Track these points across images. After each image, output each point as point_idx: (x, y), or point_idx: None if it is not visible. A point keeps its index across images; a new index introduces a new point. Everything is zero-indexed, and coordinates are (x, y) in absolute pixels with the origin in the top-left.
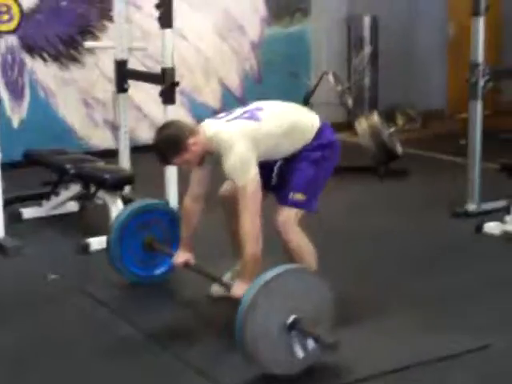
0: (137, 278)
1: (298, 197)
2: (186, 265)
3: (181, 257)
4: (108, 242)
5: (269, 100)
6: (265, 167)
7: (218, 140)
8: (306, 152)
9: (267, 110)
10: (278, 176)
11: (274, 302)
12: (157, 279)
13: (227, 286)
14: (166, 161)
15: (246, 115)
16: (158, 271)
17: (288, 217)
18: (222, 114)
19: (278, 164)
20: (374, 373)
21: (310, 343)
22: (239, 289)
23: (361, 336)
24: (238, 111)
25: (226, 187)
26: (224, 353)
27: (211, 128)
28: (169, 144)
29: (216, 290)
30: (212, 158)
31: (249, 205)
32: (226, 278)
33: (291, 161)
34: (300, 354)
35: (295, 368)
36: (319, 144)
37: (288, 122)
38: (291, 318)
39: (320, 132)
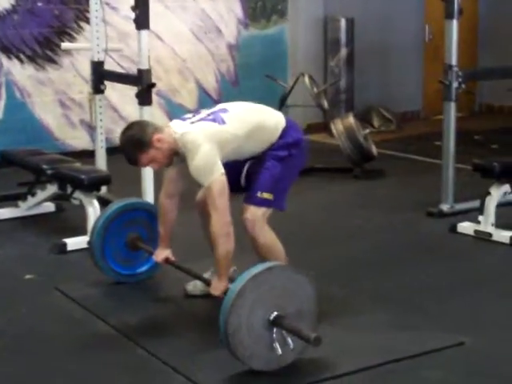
0: (121, 276)
1: (266, 196)
2: (167, 261)
3: (160, 254)
4: (91, 242)
5: (245, 101)
6: (233, 169)
7: (184, 141)
8: (272, 151)
9: (232, 111)
10: (246, 177)
11: (259, 296)
12: (141, 277)
13: (208, 283)
14: (134, 161)
15: (210, 117)
16: (142, 269)
17: (255, 215)
18: (188, 115)
19: (247, 166)
20: (350, 369)
21: (290, 341)
22: (216, 287)
23: (335, 333)
24: (204, 112)
25: (201, 193)
26: (200, 351)
27: (177, 129)
28: (133, 143)
29: (191, 289)
30: (179, 159)
31: (216, 203)
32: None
33: (258, 160)
34: (279, 350)
35: (274, 364)
36: (285, 142)
37: (252, 123)
38: (274, 314)
39: (286, 131)
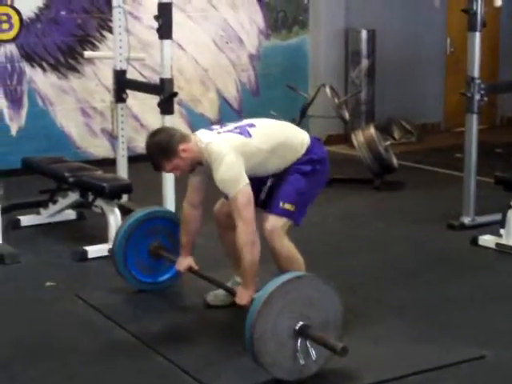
0: (142, 284)
1: (288, 207)
2: (190, 270)
3: (183, 262)
4: (113, 249)
5: (265, 116)
6: (255, 183)
7: (209, 151)
8: (296, 166)
9: (258, 126)
10: (267, 191)
11: (287, 303)
12: (162, 286)
13: (231, 292)
14: (158, 166)
15: (237, 130)
16: (164, 278)
17: (276, 225)
18: (215, 126)
19: (270, 181)
20: (369, 381)
21: (313, 352)
22: (242, 296)
23: (354, 345)
24: (231, 125)
25: (219, 205)
26: (220, 360)
27: (203, 138)
28: (159, 150)
29: (212, 299)
30: (203, 168)
31: (242, 214)
32: None
33: (282, 175)
34: (302, 360)
35: (295, 374)
36: (310, 158)
37: (277, 139)
38: (300, 324)
39: (310, 148)
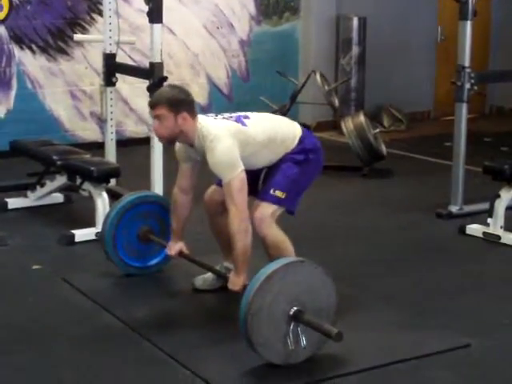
0: (130, 268)
1: (278, 194)
2: (180, 254)
3: (173, 247)
4: (102, 232)
5: (255, 101)
6: (250, 175)
7: (205, 133)
8: (290, 155)
9: (252, 119)
10: (263, 181)
11: (286, 285)
12: (151, 270)
13: (224, 277)
14: (154, 104)
15: (232, 119)
16: (152, 262)
17: (265, 213)
18: (210, 114)
19: (264, 171)
20: (356, 369)
21: (304, 339)
22: (235, 282)
23: (344, 333)
24: (226, 115)
25: (209, 192)
26: (208, 345)
27: (201, 120)
28: (171, 96)
29: (200, 283)
30: (195, 153)
31: (235, 199)
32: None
33: (275, 164)
34: (291, 345)
35: (282, 358)
36: (302, 148)
37: (271, 132)
38: (295, 309)
39: (302, 140)
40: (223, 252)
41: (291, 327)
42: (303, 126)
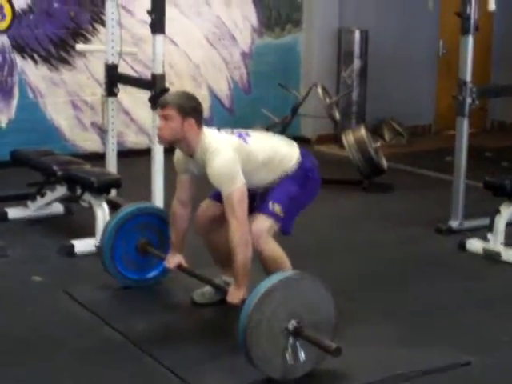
0: (128, 280)
1: (277, 209)
2: (179, 267)
3: (172, 260)
4: (101, 244)
5: (256, 114)
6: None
7: (208, 144)
8: (288, 174)
9: (253, 137)
10: (261, 198)
11: (285, 299)
12: (149, 283)
13: (223, 290)
14: (167, 103)
15: (235, 135)
16: (150, 275)
17: (262, 227)
18: (212, 128)
19: (259, 193)
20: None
21: (302, 354)
22: (234, 295)
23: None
24: (228, 130)
25: (202, 208)
26: (207, 359)
27: (205, 132)
28: (183, 101)
29: (198, 297)
30: (194, 163)
31: (236, 212)
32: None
33: (273, 184)
34: (289, 360)
35: (280, 373)
36: (301, 167)
37: (270, 150)
38: (294, 323)
39: (301, 159)
40: (221, 267)
41: (290, 342)
42: (304, 139)
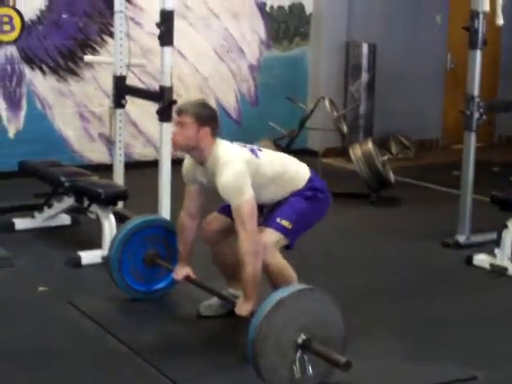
0: (136, 293)
1: (285, 223)
2: (187, 279)
3: (180, 271)
4: (109, 255)
5: (264, 126)
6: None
7: (220, 154)
8: (298, 191)
9: (264, 152)
10: (269, 212)
11: (295, 313)
12: (156, 295)
13: (231, 302)
14: (184, 110)
15: (247, 148)
16: (159, 286)
17: (269, 240)
18: (225, 140)
19: (266, 208)
20: None
21: (310, 369)
22: (243, 307)
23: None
24: (240, 144)
25: (207, 221)
26: (212, 372)
27: (218, 142)
28: (202, 108)
29: (204, 310)
30: (203, 174)
31: (246, 225)
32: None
33: (282, 200)
34: (297, 374)
35: None
36: (312, 186)
37: (280, 167)
38: (303, 337)
39: (312, 179)
40: (227, 279)
41: (298, 355)
42: (311, 152)
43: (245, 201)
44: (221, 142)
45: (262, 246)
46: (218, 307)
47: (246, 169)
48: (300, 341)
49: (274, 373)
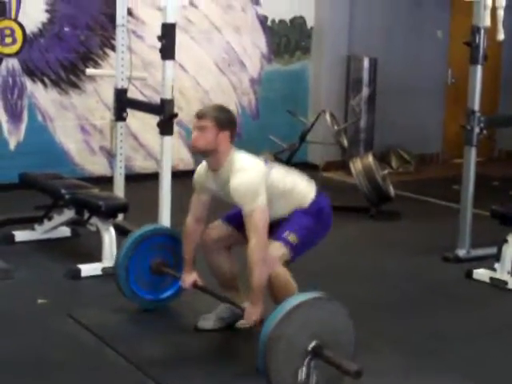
0: (144, 302)
1: (292, 237)
2: (195, 286)
3: (187, 279)
4: (116, 265)
5: (264, 139)
6: None
7: (236, 159)
8: (305, 209)
9: (276, 167)
10: (276, 227)
11: (309, 318)
12: (165, 303)
13: (240, 308)
14: (205, 114)
15: (261, 159)
16: (166, 294)
17: (275, 253)
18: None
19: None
20: None
21: (314, 378)
22: (251, 313)
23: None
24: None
25: (208, 229)
26: None
27: (235, 150)
28: (222, 112)
29: (202, 324)
30: (214, 180)
31: (258, 230)
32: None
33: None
34: (301, 378)
35: None
36: (317, 203)
37: (290, 182)
38: (314, 343)
39: (317, 197)
40: (224, 289)
41: (306, 361)
42: (311, 166)
43: (258, 206)
44: (238, 150)
45: (269, 258)
46: (215, 321)
47: (262, 177)
48: (311, 347)
49: (280, 375)
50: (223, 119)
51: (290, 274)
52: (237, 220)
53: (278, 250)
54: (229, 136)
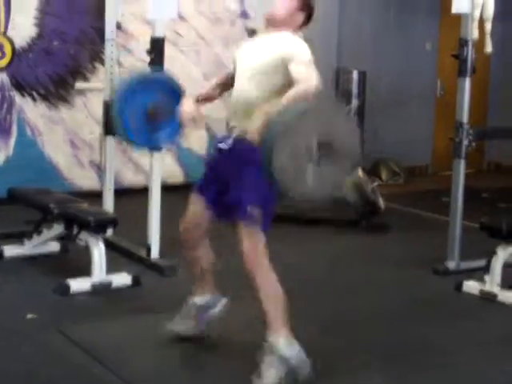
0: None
1: (256, 212)
2: (194, 119)
3: (188, 107)
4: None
5: None
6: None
7: (296, 37)
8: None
9: None
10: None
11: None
12: (161, 143)
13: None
14: None
15: None
16: (162, 135)
17: (252, 246)
18: None
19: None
20: None
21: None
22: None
23: None
24: None
25: (187, 216)
26: None
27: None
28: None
29: (179, 327)
30: (262, 39)
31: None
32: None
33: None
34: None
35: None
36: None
37: None
38: (322, 139)
39: None
40: (198, 285)
41: (315, 158)
42: None
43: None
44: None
45: (247, 254)
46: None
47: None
48: (320, 142)
49: (285, 174)
50: (308, 3)
51: (272, 272)
52: (212, 201)
53: (250, 238)
54: (301, 21)
